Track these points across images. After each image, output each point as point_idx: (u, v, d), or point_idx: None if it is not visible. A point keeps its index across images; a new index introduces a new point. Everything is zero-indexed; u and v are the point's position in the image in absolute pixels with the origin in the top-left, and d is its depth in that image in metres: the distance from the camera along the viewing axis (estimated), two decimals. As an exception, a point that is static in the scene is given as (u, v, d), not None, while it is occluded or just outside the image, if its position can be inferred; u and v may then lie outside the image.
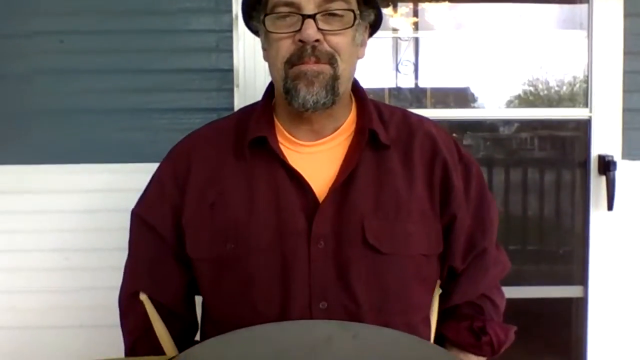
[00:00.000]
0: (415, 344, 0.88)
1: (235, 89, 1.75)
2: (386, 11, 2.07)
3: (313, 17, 0.97)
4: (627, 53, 1.83)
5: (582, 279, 1.92)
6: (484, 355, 1.15)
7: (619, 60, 1.83)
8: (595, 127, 1.86)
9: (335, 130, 1.07)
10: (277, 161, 1.03)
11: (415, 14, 2.25)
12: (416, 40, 2.29)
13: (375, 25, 1.11)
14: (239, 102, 1.73)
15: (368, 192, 1.03)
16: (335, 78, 1.00)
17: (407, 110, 1.16)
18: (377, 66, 2.23)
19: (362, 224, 1.01)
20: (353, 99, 1.12)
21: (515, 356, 1.34)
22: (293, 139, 1.06)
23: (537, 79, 2.42)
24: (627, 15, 1.82)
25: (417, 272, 1.05)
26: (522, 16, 2.18)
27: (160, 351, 1.04)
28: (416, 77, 2.31)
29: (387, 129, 1.08)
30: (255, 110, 1.11)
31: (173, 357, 0.98)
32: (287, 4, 0.99)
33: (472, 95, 2.35)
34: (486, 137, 2.46)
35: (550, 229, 2.61)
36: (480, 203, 1.12)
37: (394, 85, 2.29)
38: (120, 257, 1.15)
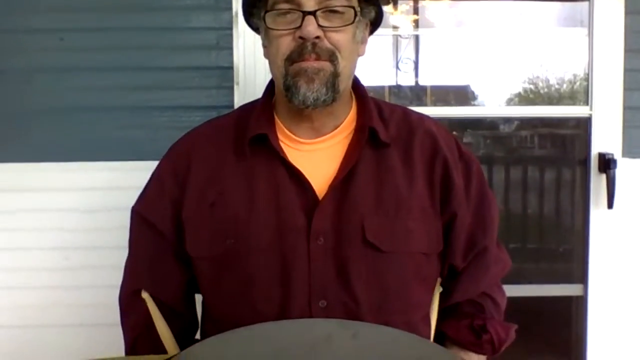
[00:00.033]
0: (416, 342, 0.88)
1: (235, 87, 1.75)
2: (386, 9, 2.06)
3: (313, 13, 0.97)
4: (627, 51, 1.83)
5: (582, 277, 1.92)
6: (484, 354, 1.15)
7: (619, 58, 1.83)
8: (596, 125, 1.86)
9: (336, 128, 1.07)
10: (277, 159, 1.03)
11: (416, 11, 2.24)
12: (416, 37, 2.29)
13: (375, 23, 1.11)
14: (238, 100, 1.73)
15: (368, 190, 1.03)
16: (335, 75, 1.00)
17: (407, 108, 1.16)
18: (377, 64, 2.23)
19: (362, 222, 1.01)
20: (353, 96, 1.11)
21: (515, 355, 1.34)
22: (293, 136, 1.06)
23: (538, 77, 2.41)
24: (628, 12, 1.82)
25: (417, 271, 1.05)
26: (522, 14, 2.18)
27: (160, 349, 1.04)
28: (416, 75, 2.31)
29: (387, 127, 1.08)
30: (256, 107, 1.10)
31: (173, 356, 0.98)
32: (287, 1, 0.99)
33: (473, 93, 2.35)
34: (486, 135, 2.45)
35: (550, 227, 2.61)
36: (481, 201, 1.12)
37: (394, 83, 2.28)
38: (120, 255, 1.15)
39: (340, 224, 1.00)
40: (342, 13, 1.00)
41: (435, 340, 1.13)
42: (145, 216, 1.10)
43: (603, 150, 1.85)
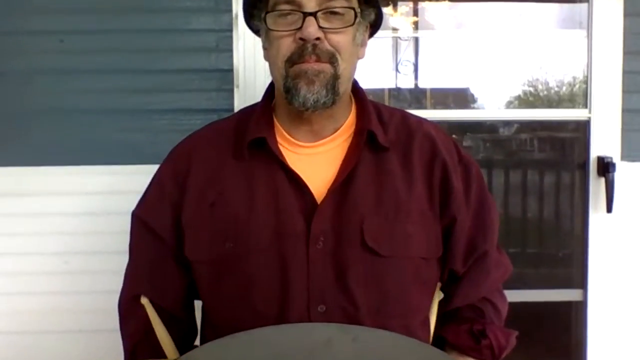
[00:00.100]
0: (416, 346, 0.88)
1: (235, 90, 1.75)
2: (386, 10, 2.07)
3: (314, 14, 0.97)
4: (626, 53, 1.82)
5: (581, 282, 1.91)
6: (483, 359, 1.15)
7: (618, 60, 1.83)
8: (595, 128, 1.86)
9: (335, 131, 1.07)
10: (276, 162, 1.03)
11: (415, 13, 2.24)
12: (416, 40, 2.29)
13: (375, 25, 1.11)
14: (238, 103, 1.73)
15: (367, 193, 1.03)
16: (335, 77, 1.00)
17: (406, 112, 1.16)
18: (376, 66, 2.23)
19: (360, 226, 1.00)
20: (353, 100, 1.12)
21: (515, 360, 1.33)
22: (292, 139, 1.06)
23: (537, 80, 2.42)
24: (627, 14, 1.81)
25: (416, 275, 1.05)
26: (522, 15, 2.18)
27: (160, 355, 1.04)
28: (416, 78, 2.31)
29: (386, 130, 1.08)
30: (255, 111, 1.11)
31: (172, 361, 0.98)
32: (288, 2, 0.99)
33: (472, 95, 2.35)
34: (486, 138, 2.45)
35: (549, 231, 2.60)
36: (481, 204, 1.12)
37: (394, 86, 2.28)
38: (120, 260, 1.15)
39: (339, 227, 1.00)
40: (343, 15, 1.00)
41: (434, 345, 1.12)
42: (145, 220, 1.10)
43: (602, 153, 1.84)
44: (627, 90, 1.83)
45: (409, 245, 1.03)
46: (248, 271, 1.01)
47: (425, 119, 1.15)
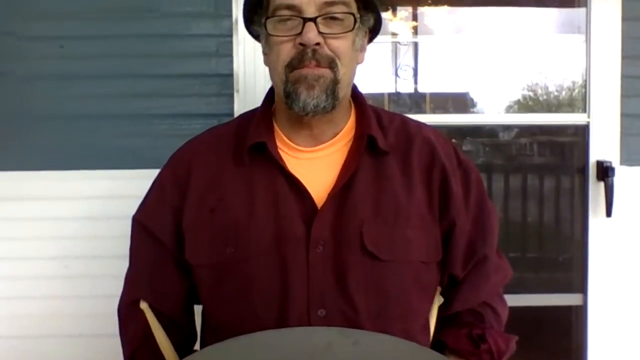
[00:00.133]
0: (416, 351, 0.88)
1: (235, 94, 1.75)
2: (385, 15, 2.07)
3: (314, 20, 0.98)
4: (625, 57, 1.83)
5: (581, 286, 1.91)
6: (483, 365, 1.15)
7: (617, 64, 1.83)
8: (594, 132, 1.86)
9: (335, 136, 1.07)
10: (276, 167, 1.04)
11: (415, 18, 2.25)
12: (415, 44, 2.29)
13: (374, 31, 1.12)
14: (238, 107, 1.74)
15: (367, 198, 1.03)
16: (335, 82, 1.00)
17: (406, 117, 1.17)
18: (376, 71, 2.24)
19: (360, 230, 1.01)
20: (352, 105, 1.12)
21: (515, 364, 1.33)
22: (292, 144, 1.06)
23: (537, 84, 2.42)
24: (625, 19, 1.82)
25: (416, 279, 1.05)
26: (520, 20, 2.18)
27: None
28: (415, 82, 2.32)
29: (386, 135, 1.09)
30: (255, 116, 1.11)
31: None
32: (288, 7, 0.99)
33: (472, 100, 2.35)
34: (485, 142, 2.46)
35: (549, 235, 2.61)
36: (480, 209, 1.12)
37: (394, 91, 2.29)
38: (120, 264, 1.15)
39: (339, 232, 1.00)
40: (342, 20, 1.01)
41: (434, 349, 1.12)
42: (145, 225, 1.10)
43: (601, 158, 1.85)
44: (625, 95, 1.84)
45: (408, 249, 1.03)
46: (248, 275, 1.01)
47: (424, 124, 1.15)
